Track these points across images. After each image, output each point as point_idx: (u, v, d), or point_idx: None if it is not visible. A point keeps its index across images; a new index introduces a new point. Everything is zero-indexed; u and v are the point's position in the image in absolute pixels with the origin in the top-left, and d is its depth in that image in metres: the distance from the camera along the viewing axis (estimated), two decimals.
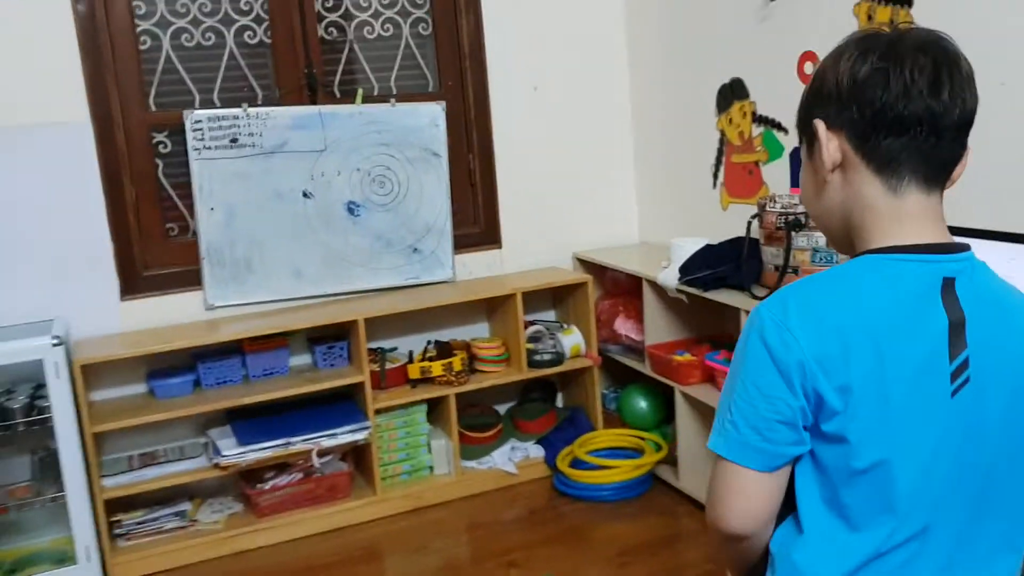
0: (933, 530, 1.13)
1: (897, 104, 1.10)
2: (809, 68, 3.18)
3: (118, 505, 3.33)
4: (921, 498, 1.11)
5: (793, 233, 2.98)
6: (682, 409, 3.49)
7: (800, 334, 1.09)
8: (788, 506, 1.17)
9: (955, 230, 1.22)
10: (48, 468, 3.21)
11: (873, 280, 1.12)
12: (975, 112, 1.14)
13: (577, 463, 3.73)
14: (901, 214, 1.14)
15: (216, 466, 3.33)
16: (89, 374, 3.22)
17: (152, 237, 3.56)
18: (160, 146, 3.54)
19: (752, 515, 1.16)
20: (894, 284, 1.11)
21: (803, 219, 2.97)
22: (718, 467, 1.17)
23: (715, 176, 3.75)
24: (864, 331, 1.08)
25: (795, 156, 3.32)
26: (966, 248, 1.16)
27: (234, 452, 3.32)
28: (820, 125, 1.16)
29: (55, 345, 3.04)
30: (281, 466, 3.49)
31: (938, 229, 1.16)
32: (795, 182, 3.33)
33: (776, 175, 3.43)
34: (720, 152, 3.70)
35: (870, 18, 2.91)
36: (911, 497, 1.10)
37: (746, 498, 1.15)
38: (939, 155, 1.13)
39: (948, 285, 1.12)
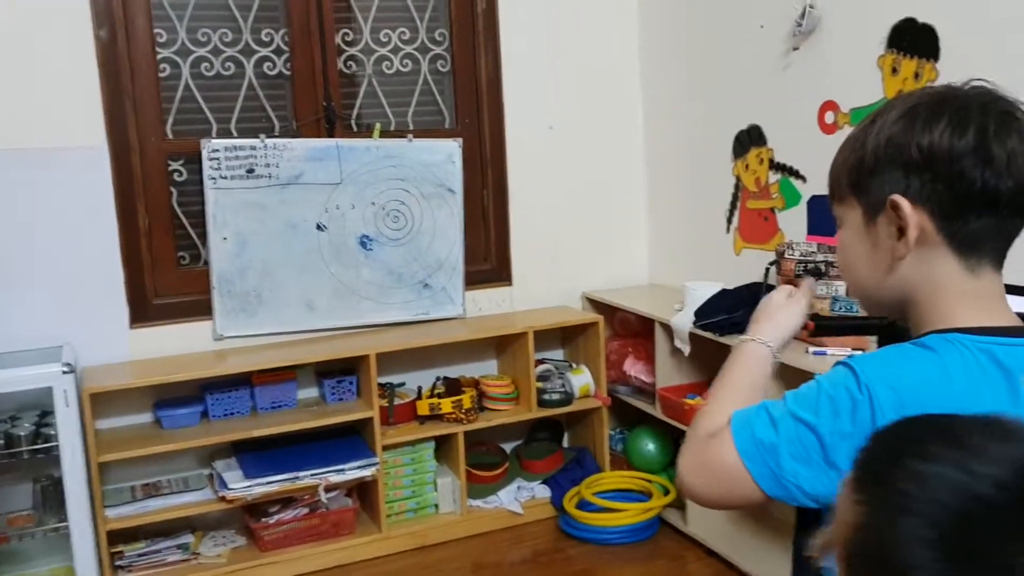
0: None
1: (996, 183, 1.01)
2: (830, 117, 3.20)
3: (120, 536, 3.27)
4: None
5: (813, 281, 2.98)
6: None
7: (884, 403, 1.01)
8: None
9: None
10: (51, 497, 3.16)
11: (964, 361, 1.03)
12: None
13: (584, 504, 3.70)
14: (979, 294, 1.07)
15: (222, 499, 3.28)
16: (96, 402, 3.18)
17: (163, 265, 3.53)
18: (175, 174, 3.52)
19: (724, 504, 1.14)
20: (984, 366, 1.03)
21: (823, 267, 2.98)
22: (725, 445, 1.10)
23: (729, 221, 3.76)
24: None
25: (813, 204, 3.33)
26: None
27: (240, 485, 3.27)
28: (903, 201, 1.04)
29: (65, 373, 3.00)
30: (286, 500, 3.44)
31: (1007, 308, 1.09)
32: (812, 229, 3.33)
33: (792, 222, 3.44)
34: (735, 197, 3.71)
35: (895, 71, 2.93)
36: None
37: (728, 494, 1.11)
38: (1014, 233, 1.07)
39: None
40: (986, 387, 1.03)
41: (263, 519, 3.41)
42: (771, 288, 3.13)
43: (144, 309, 3.47)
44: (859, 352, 2.92)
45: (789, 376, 2.99)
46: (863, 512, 0.73)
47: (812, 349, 2.93)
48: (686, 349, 3.47)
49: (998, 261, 1.08)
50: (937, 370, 1.03)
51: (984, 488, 0.67)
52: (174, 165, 3.52)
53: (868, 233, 1.10)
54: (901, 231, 1.06)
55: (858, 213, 1.10)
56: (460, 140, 3.81)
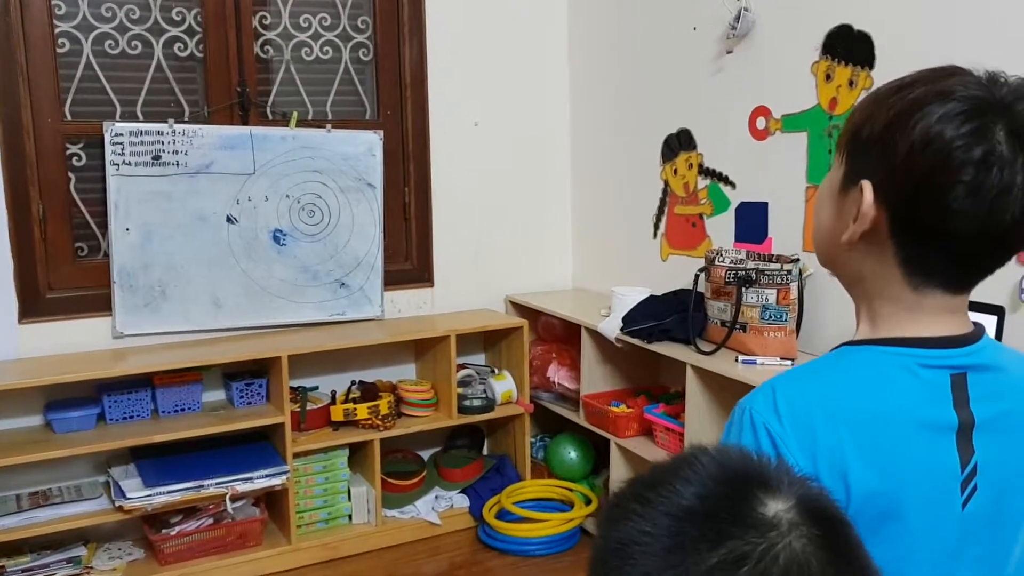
0: None
1: (969, 215, 0.89)
2: (761, 123, 3.15)
3: (3, 549, 3.02)
4: None
5: (743, 289, 2.92)
6: (617, 462, 3.39)
7: (792, 444, 0.94)
8: None
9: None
10: None
11: (872, 379, 0.97)
12: None
13: (504, 514, 3.58)
14: (917, 307, 0.98)
15: (119, 509, 3.06)
16: None
17: (58, 256, 3.28)
18: (74, 158, 3.28)
19: None
20: (895, 385, 0.96)
21: (753, 275, 2.92)
22: None
23: (656, 226, 3.68)
24: (861, 443, 0.94)
25: (742, 210, 3.28)
26: (979, 335, 1.01)
27: (139, 494, 3.05)
28: (868, 192, 0.95)
29: None
30: (188, 510, 3.24)
31: (955, 321, 1.00)
32: (740, 237, 3.28)
33: (720, 229, 3.38)
34: (663, 202, 3.64)
35: (828, 77, 2.89)
36: None
37: None
38: (984, 266, 0.96)
39: (958, 382, 0.97)
40: (901, 396, 0.96)
41: (163, 530, 3.20)
42: (699, 295, 3.09)
43: (36, 303, 3.22)
44: (787, 362, 2.85)
45: (719, 385, 2.93)
46: None
47: (742, 358, 2.87)
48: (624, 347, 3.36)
49: (956, 287, 0.98)
50: (840, 385, 0.98)
51: (687, 502, 0.69)
52: (73, 149, 3.27)
53: (839, 199, 1.01)
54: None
55: (840, 174, 1.01)
56: (381, 132, 3.65)
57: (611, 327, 3.31)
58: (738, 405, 1.01)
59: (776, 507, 0.68)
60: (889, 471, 0.94)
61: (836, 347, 1.04)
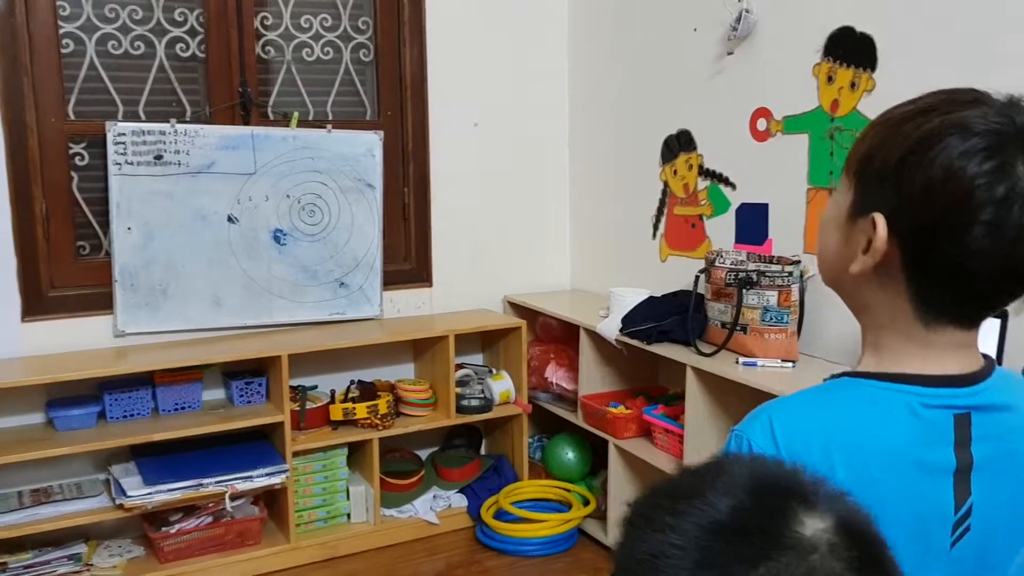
0: None
1: (988, 256, 0.87)
2: (762, 125, 3.16)
3: (4, 546, 3.02)
4: None
5: (744, 291, 2.93)
6: (615, 463, 3.40)
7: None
8: None
9: None
10: None
11: (871, 416, 0.95)
12: None
13: (501, 514, 3.59)
14: (927, 342, 0.96)
15: (119, 507, 3.06)
16: None
17: (61, 255, 3.29)
18: (77, 158, 3.29)
19: None
20: (895, 424, 0.94)
21: (753, 277, 2.93)
22: None
23: (655, 227, 3.70)
24: (854, 478, 0.91)
25: (742, 212, 3.30)
26: (988, 372, 0.98)
27: (140, 492, 3.06)
28: (882, 225, 0.92)
29: None
30: (188, 508, 3.24)
31: (964, 356, 0.97)
32: (740, 238, 3.30)
33: (720, 230, 3.39)
34: (662, 203, 3.66)
35: (830, 79, 2.91)
36: None
37: None
38: (1002, 301, 0.94)
39: (962, 421, 0.95)
40: (901, 435, 0.94)
41: (163, 528, 3.21)
42: (699, 297, 3.10)
43: (38, 301, 3.23)
44: (788, 364, 2.84)
45: (719, 387, 2.95)
46: None
47: (742, 360, 2.89)
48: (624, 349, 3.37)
49: (968, 324, 0.96)
50: (837, 419, 0.95)
51: (721, 516, 0.66)
52: (76, 148, 3.28)
53: (846, 226, 0.98)
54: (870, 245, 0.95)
55: (849, 201, 0.98)
56: (381, 133, 3.66)
57: (611, 328, 3.32)
58: (733, 432, 0.99)
59: (814, 526, 0.66)
60: (879, 509, 0.94)
61: (836, 375, 1.01)
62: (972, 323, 0.96)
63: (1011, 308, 2.32)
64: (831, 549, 0.64)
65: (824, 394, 0.99)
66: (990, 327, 2.32)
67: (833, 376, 1.02)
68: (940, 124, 0.89)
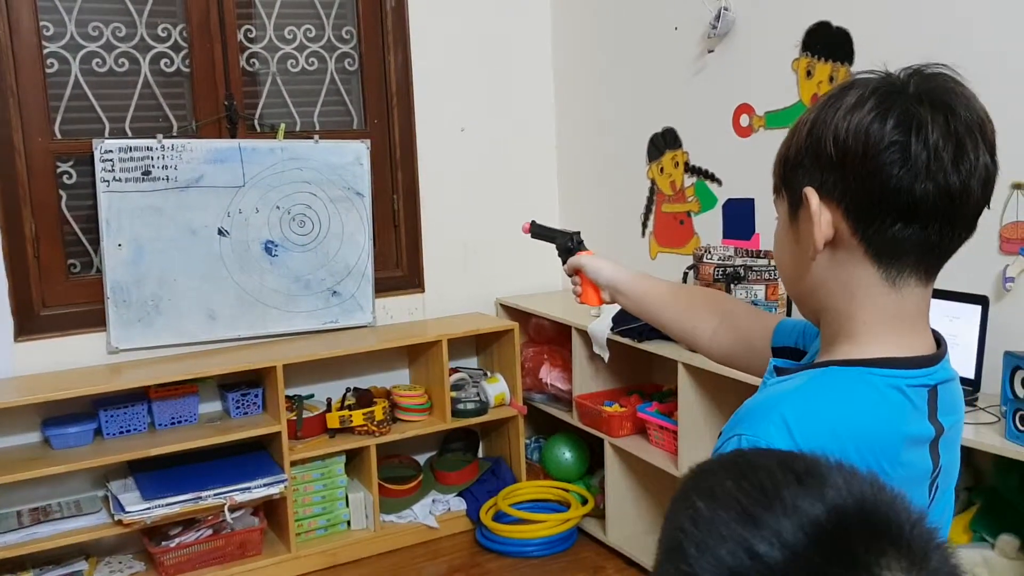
0: None
1: (915, 185, 0.91)
2: (745, 120, 3.19)
3: (5, 566, 3.03)
4: None
5: (732, 285, 2.95)
6: (611, 461, 3.42)
7: None
8: None
9: None
10: None
11: (872, 400, 0.96)
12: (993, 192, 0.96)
13: (500, 516, 3.61)
14: (899, 312, 0.98)
15: (118, 523, 3.08)
16: None
17: (52, 273, 3.30)
18: (65, 176, 3.30)
19: None
20: (891, 405, 0.96)
21: (741, 271, 2.95)
22: None
23: (644, 225, 3.72)
24: (867, 463, 0.92)
25: (729, 207, 3.32)
26: (945, 348, 1.03)
27: (139, 508, 3.07)
28: (812, 195, 0.95)
29: None
30: (188, 522, 3.26)
31: (928, 331, 1.02)
32: (728, 233, 3.32)
33: (708, 226, 3.41)
34: (650, 201, 3.68)
35: (809, 74, 2.93)
36: None
37: None
38: (948, 246, 0.96)
39: (932, 396, 0.99)
40: (897, 415, 0.96)
41: (163, 543, 3.22)
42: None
43: (31, 320, 3.24)
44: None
45: (711, 382, 2.96)
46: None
47: None
48: (605, 355, 3.41)
49: (926, 275, 0.98)
50: (844, 408, 0.95)
51: (765, 548, 0.56)
52: (63, 167, 3.30)
53: (792, 230, 1.01)
54: None
55: (785, 208, 1.02)
56: (368, 142, 3.67)
57: (602, 328, 3.34)
58: (734, 435, 0.94)
59: None
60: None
61: (818, 366, 1.01)
62: (929, 273, 0.99)
63: (991, 295, 2.34)
64: None
65: (822, 385, 0.98)
66: (972, 314, 2.34)
67: (816, 366, 1.01)
68: (828, 97, 0.97)
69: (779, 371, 1.05)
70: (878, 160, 0.91)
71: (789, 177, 1.00)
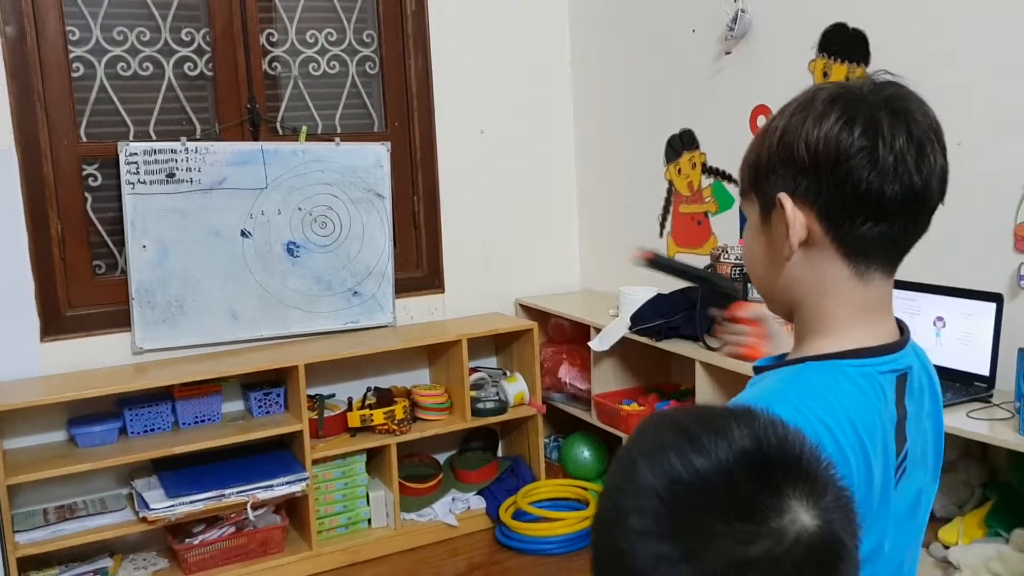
0: None
1: (883, 187, 0.97)
2: (762, 121, 3.19)
3: (31, 562, 3.09)
4: None
5: (748, 285, 2.97)
6: None
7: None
8: None
9: None
10: None
11: (853, 390, 1.00)
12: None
13: (520, 515, 3.63)
14: (867, 305, 1.04)
15: (142, 520, 3.12)
16: (4, 421, 3.00)
17: (78, 275, 3.35)
18: (90, 179, 3.36)
19: None
20: (867, 393, 1.01)
21: None
22: None
23: (662, 225, 3.74)
24: (852, 442, 0.98)
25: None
26: (908, 337, 1.08)
27: (163, 505, 3.12)
28: (787, 200, 1.00)
29: None
30: (211, 519, 3.30)
31: (892, 320, 1.08)
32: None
33: (726, 226, 3.43)
34: (668, 202, 3.69)
35: (825, 75, 2.94)
36: None
37: None
38: (909, 241, 1.03)
39: (900, 381, 1.05)
40: (875, 402, 1.01)
41: (187, 540, 3.26)
42: (707, 294, 3.14)
43: (57, 321, 3.30)
44: None
45: (728, 381, 2.98)
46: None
47: None
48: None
49: (889, 269, 1.04)
50: (840, 397, 0.99)
51: (701, 462, 0.69)
52: (88, 170, 3.35)
53: (764, 232, 1.06)
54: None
55: (756, 211, 1.06)
56: (389, 144, 3.71)
57: (620, 327, 3.36)
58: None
59: (800, 520, 0.67)
60: (869, 471, 0.99)
61: (793, 362, 1.05)
62: (893, 266, 1.05)
63: (1005, 292, 2.34)
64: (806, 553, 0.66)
65: (806, 381, 1.02)
66: (987, 311, 2.34)
67: (791, 362, 1.06)
68: (796, 105, 1.02)
69: (757, 370, 1.10)
70: (849, 165, 0.97)
71: (761, 182, 1.04)
